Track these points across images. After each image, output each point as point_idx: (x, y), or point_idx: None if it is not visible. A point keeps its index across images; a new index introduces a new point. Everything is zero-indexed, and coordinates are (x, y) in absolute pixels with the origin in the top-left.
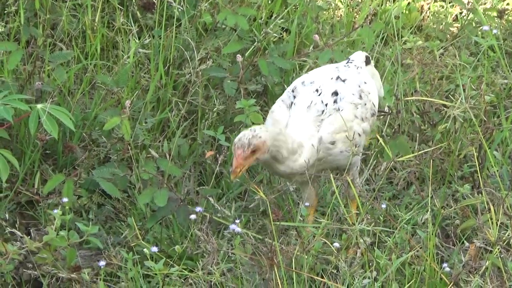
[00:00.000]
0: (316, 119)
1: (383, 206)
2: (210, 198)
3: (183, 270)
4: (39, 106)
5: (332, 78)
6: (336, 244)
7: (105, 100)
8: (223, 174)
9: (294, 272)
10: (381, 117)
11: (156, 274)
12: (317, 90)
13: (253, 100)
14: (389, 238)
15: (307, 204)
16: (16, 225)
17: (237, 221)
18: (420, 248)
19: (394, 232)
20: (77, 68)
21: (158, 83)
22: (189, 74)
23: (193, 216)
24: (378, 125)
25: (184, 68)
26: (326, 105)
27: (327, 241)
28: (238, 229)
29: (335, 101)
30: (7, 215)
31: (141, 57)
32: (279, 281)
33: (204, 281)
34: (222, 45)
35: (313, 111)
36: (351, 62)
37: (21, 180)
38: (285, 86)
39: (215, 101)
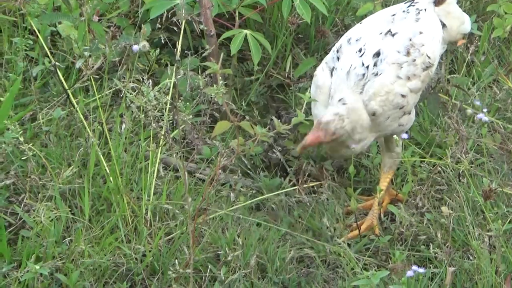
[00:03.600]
0: (357, 84)
1: None
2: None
3: (431, 158)
4: None
5: (381, 33)
6: None
7: None
8: (474, 63)
9: None
10: None
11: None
12: (360, 50)
13: None
14: None
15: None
16: (267, 108)
17: (485, 110)
18: None
19: None
20: None
21: None
22: None
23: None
24: None
25: None
26: (367, 67)
27: None
28: (485, 118)
29: (375, 64)
30: (258, 98)
31: None
32: None
33: (453, 169)
34: None
35: (352, 76)
36: (413, 6)
37: (272, 63)
38: None
39: None
